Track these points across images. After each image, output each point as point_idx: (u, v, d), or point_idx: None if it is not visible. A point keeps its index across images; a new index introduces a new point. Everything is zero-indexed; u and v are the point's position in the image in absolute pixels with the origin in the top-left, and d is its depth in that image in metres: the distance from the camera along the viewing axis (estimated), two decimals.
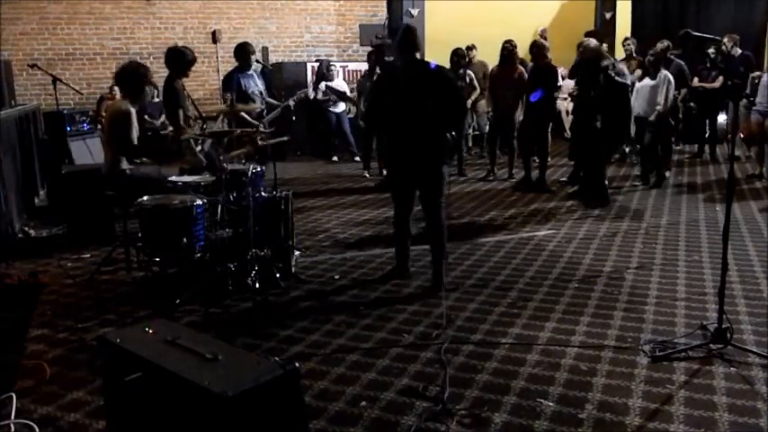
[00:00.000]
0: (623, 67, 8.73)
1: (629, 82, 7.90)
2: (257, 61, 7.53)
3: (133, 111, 5.09)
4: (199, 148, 5.59)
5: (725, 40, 9.21)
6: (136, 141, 5.08)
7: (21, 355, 3.60)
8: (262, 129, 5.54)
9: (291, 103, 7.67)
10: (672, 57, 8.25)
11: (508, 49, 8.09)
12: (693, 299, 4.22)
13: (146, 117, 5.37)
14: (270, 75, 10.17)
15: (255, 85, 7.13)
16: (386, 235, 5.97)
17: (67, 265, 5.19)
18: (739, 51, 9.47)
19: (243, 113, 6.54)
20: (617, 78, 7.28)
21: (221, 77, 11.17)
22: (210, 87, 11.22)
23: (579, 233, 5.90)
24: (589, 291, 4.42)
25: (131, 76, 5.16)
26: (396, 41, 4.65)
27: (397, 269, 4.81)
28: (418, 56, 4.58)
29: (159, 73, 5.83)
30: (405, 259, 4.79)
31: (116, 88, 9.54)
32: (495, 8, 11.99)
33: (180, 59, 5.85)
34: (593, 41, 7.67)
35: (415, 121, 4.40)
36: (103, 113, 9.02)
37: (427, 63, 4.60)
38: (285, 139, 5.42)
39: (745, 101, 7.77)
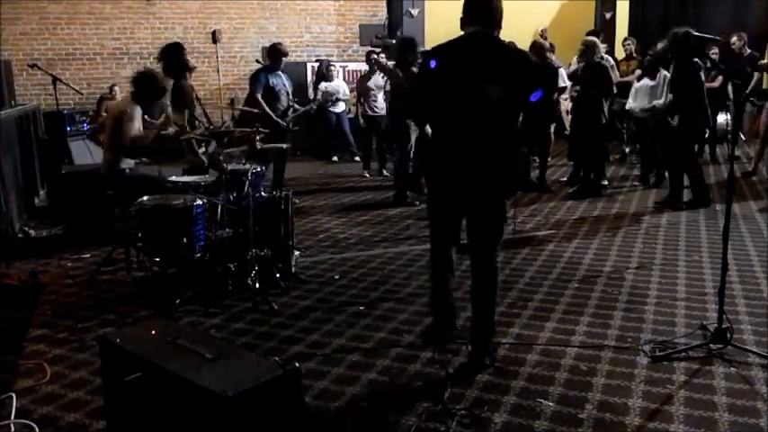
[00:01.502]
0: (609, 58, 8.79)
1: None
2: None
3: (138, 111, 5.10)
4: (202, 150, 5.60)
5: (734, 38, 9.18)
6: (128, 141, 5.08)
7: (21, 355, 3.60)
8: (262, 129, 5.56)
9: (313, 107, 7.90)
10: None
11: None
12: (693, 299, 4.22)
13: (145, 117, 5.37)
14: None
15: (283, 84, 7.34)
16: (386, 235, 5.97)
17: (67, 265, 5.19)
18: (748, 51, 9.46)
19: (267, 111, 6.92)
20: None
21: (221, 77, 11.23)
22: (210, 87, 11.22)
23: (579, 233, 5.90)
24: (589, 291, 4.42)
25: (156, 90, 5.21)
26: (464, 6, 3.26)
27: (437, 324, 3.58)
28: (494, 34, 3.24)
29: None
30: (447, 310, 3.56)
31: (116, 88, 9.62)
32: None
33: (171, 54, 5.88)
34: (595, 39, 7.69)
35: (476, 120, 3.16)
36: (103, 113, 9.03)
37: (506, 44, 3.35)
38: (285, 146, 5.45)
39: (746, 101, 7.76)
